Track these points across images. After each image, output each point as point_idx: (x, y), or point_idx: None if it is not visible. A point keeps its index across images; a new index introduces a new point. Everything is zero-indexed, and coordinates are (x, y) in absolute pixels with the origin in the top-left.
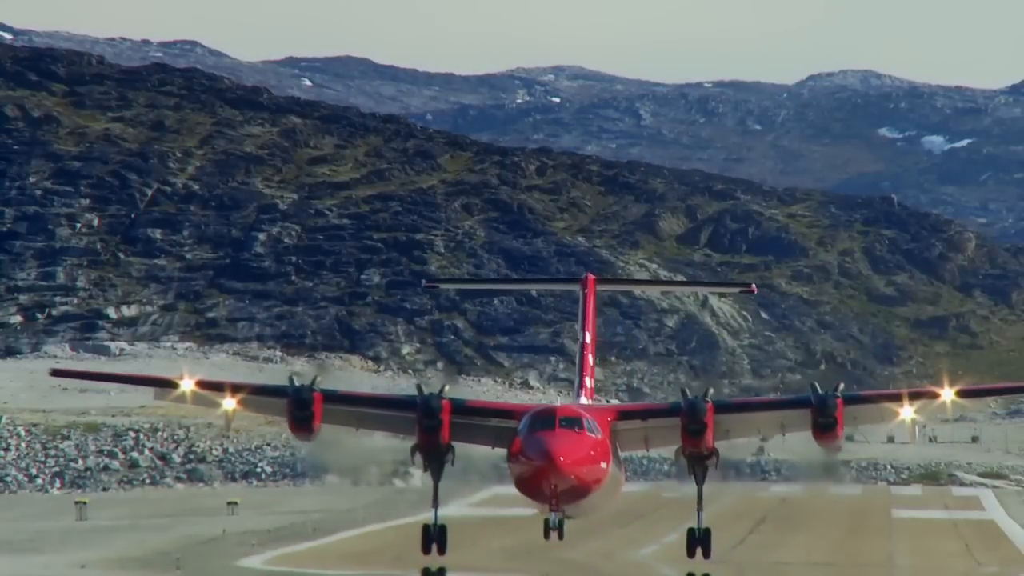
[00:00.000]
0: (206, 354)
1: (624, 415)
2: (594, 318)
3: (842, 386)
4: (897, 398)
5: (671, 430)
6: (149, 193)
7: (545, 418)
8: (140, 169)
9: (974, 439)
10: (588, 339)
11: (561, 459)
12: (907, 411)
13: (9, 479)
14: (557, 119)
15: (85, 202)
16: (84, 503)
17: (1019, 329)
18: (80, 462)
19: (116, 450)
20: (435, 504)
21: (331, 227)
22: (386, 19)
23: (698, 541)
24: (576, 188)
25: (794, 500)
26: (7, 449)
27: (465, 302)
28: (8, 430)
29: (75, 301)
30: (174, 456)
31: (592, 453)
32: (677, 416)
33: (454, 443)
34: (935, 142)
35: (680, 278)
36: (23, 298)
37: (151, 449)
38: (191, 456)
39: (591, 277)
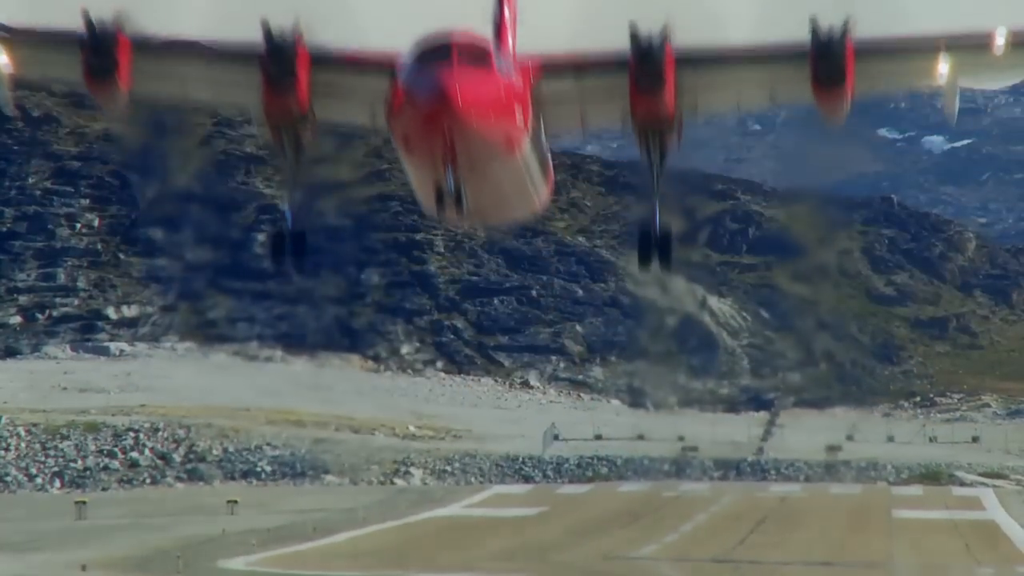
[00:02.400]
0: (206, 354)
1: (551, 69)
2: None
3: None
4: (930, 46)
5: (616, 94)
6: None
7: (437, 47)
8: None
9: (974, 439)
10: None
11: (459, 96)
12: (943, 68)
13: (9, 479)
14: None
15: (85, 202)
16: (84, 503)
17: (1019, 329)
18: (80, 462)
19: (116, 450)
20: (291, 199)
21: (331, 227)
22: None
23: (654, 244)
24: (576, 188)
25: (794, 500)
26: (7, 449)
27: (465, 302)
28: (8, 430)
29: (75, 302)
30: (174, 456)
31: (503, 97)
32: (625, 71)
33: (318, 116)
34: (935, 142)
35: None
36: (23, 299)
37: (151, 449)
38: (191, 456)
39: None
